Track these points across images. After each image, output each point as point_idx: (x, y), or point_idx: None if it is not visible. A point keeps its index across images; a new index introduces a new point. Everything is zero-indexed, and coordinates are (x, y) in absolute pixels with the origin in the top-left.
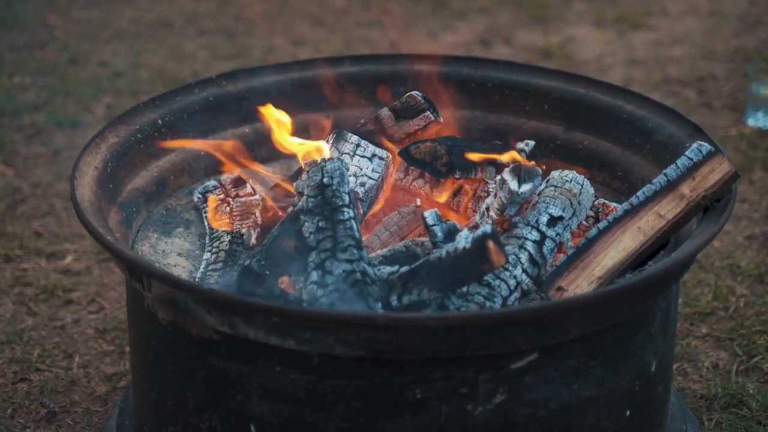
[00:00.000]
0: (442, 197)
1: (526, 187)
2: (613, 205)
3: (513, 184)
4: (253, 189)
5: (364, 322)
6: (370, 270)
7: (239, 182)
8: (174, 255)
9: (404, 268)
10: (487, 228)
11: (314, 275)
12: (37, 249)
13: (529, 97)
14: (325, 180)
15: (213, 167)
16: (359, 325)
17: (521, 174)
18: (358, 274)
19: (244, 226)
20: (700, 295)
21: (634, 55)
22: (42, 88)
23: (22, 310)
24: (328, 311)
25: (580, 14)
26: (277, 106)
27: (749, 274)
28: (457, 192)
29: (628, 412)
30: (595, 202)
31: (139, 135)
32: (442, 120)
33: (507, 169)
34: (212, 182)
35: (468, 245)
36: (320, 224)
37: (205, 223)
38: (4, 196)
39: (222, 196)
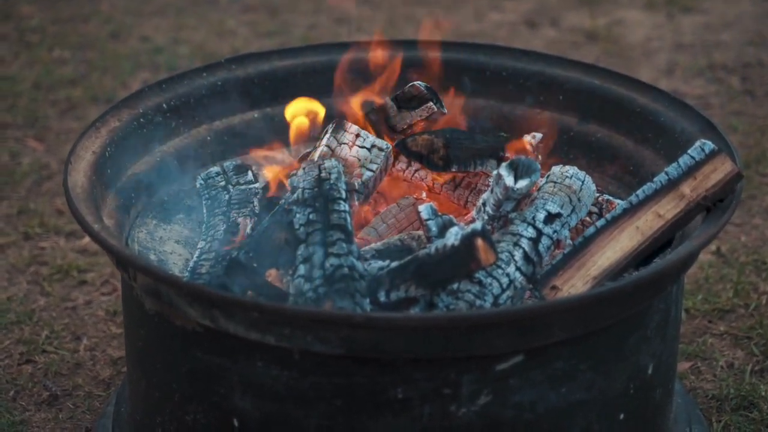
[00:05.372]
0: (443, 190)
1: (522, 183)
2: (617, 201)
3: (509, 180)
4: (254, 177)
5: (341, 321)
6: (358, 265)
7: (241, 169)
8: (171, 242)
9: (393, 264)
10: (477, 225)
11: (302, 269)
12: (57, 227)
13: (543, 87)
14: (323, 175)
15: (218, 153)
16: (337, 324)
17: (518, 169)
18: (346, 269)
19: (240, 214)
20: (722, 291)
21: (681, 39)
22: (81, 63)
23: (36, 290)
24: (306, 308)
25: None
26: (285, 93)
27: None
28: (458, 185)
29: (622, 416)
30: (599, 198)
31: (142, 119)
32: (446, 111)
33: (503, 164)
34: (215, 168)
35: (456, 242)
36: (311, 216)
37: (204, 211)
38: (31, 172)
39: (223, 182)
